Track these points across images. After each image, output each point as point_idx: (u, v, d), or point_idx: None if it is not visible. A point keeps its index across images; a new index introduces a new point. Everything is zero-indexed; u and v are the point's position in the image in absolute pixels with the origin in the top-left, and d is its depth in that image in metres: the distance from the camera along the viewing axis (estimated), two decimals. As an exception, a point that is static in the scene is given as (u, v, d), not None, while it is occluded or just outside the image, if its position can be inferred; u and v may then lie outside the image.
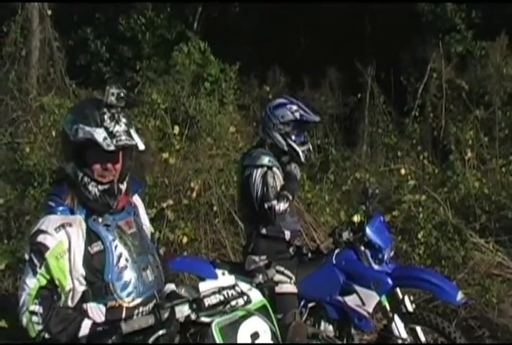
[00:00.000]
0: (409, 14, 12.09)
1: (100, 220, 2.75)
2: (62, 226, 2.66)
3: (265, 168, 4.59)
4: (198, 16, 14.55)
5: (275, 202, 4.50)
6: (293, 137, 4.73)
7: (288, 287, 4.56)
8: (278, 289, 4.52)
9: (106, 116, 2.66)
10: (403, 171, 8.22)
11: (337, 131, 10.04)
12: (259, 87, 11.35)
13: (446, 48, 11.15)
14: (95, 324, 2.62)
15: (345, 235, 4.72)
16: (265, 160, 4.62)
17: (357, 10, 12.60)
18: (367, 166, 8.90)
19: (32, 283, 2.63)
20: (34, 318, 2.59)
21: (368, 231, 4.68)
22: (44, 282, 2.63)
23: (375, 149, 9.94)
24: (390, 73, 10.45)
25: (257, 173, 4.58)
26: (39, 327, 2.59)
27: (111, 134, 2.63)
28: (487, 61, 10.62)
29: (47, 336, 2.60)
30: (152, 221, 6.61)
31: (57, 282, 2.65)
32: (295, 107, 4.70)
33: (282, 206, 4.51)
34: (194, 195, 7.18)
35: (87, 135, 2.62)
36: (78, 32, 14.47)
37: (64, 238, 2.66)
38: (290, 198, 4.59)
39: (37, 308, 2.59)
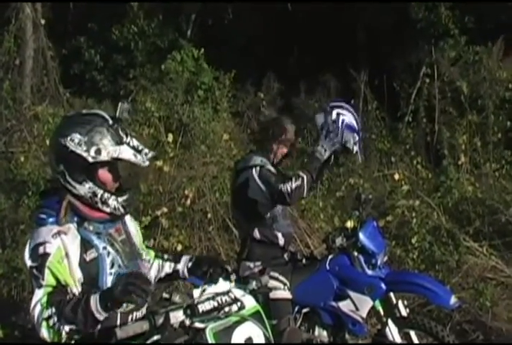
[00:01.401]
0: (402, 20, 12.15)
1: (91, 228, 2.78)
2: (58, 233, 2.68)
3: (258, 167, 4.59)
4: (191, 24, 14.59)
5: (282, 185, 4.39)
6: None
7: (283, 293, 4.56)
8: (273, 295, 4.50)
9: (120, 132, 2.73)
10: (396, 176, 8.23)
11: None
12: (254, 94, 11.38)
13: (439, 53, 11.20)
14: (103, 292, 2.57)
15: (338, 241, 4.72)
16: (258, 160, 4.63)
17: (351, 16, 12.66)
18: (360, 172, 8.91)
19: (40, 294, 2.60)
20: (51, 322, 2.53)
21: (361, 236, 4.68)
22: (50, 288, 2.61)
23: (368, 155, 9.96)
24: (383, 79, 10.49)
25: (254, 173, 4.57)
26: (57, 325, 2.52)
27: (136, 150, 2.72)
28: (480, 66, 10.68)
29: (67, 328, 2.52)
30: (146, 228, 6.71)
31: (64, 284, 2.64)
32: None
33: (293, 184, 4.36)
34: (188, 202, 7.18)
35: (113, 155, 2.68)
36: (72, 41, 14.52)
37: (61, 244, 2.67)
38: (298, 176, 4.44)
39: (50, 312, 2.54)
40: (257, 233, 4.67)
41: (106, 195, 2.76)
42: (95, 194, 2.75)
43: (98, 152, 2.68)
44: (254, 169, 4.60)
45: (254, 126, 9.60)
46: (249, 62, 13.03)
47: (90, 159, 2.69)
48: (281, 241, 4.74)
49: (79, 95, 11.63)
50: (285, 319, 4.47)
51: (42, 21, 11.02)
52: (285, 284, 4.58)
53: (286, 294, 4.58)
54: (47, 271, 2.63)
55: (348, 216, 5.05)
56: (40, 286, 2.62)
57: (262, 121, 4.91)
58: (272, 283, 4.48)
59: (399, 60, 11.78)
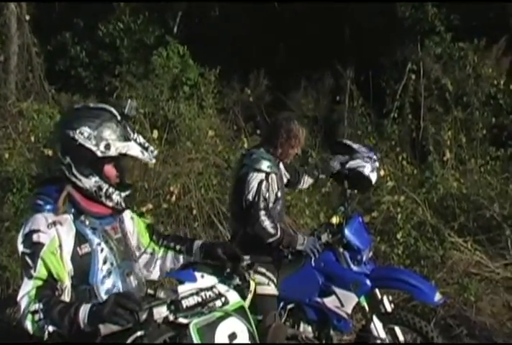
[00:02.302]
0: (388, 17, 12.17)
1: (87, 222, 2.78)
2: (53, 223, 2.68)
3: (263, 174, 4.55)
4: (178, 20, 14.55)
5: (262, 214, 4.48)
6: None
7: (269, 289, 4.57)
8: (259, 290, 4.52)
9: (128, 129, 2.76)
10: (382, 172, 8.21)
11: (317, 134, 10.06)
12: (240, 90, 11.37)
13: (425, 50, 11.23)
14: (93, 306, 2.54)
15: (324, 237, 4.72)
16: (265, 166, 4.58)
17: (337, 13, 12.66)
18: (346, 168, 8.90)
19: (29, 286, 2.59)
20: (36, 316, 2.52)
21: (347, 232, 4.70)
22: (40, 282, 2.60)
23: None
24: (369, 76, 10.50)
25: (254, 177, 4.54)
26: (42, 322, 2.51)
27: (143, 146, 2.76)
28: (466, 62, 10.72)
29: (51, 328, 2.51)
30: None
31: (56, 277, 2.63)
32: None
33: (268, 224, 4.48)
34: (173, 199, 7.18)
35: (122, 150, 2.71)
36: (57, 37, 14.39)
37: (56, 235, 2.66)
38: (278, 228, 4.57)
39: (37, 306, 2.53)
40: (249, 230, 4.62)
41: (111, 189, 2.78)
42: (100, 188, 2.76)
43: (108, 147, 2.69)
44: (256, 174, 4.56)
45: (240, 123, 9.58)
46: (235, 59, 13.01)
47: (99, 154, 2.71)
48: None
49: (64, 92, 11.57)
50: (270, 315, 4.49)
51: (27, 17, 10.96)
52: (271, 280, 4.60)
53: (273, 290, 4.59)
54: (39, 261, 2.62)
55: (333, 212, 5.05)
56: (30, 276, 2.61)
57: (273, 119, 4.94)
58: (260, 278, 4.54)
59: (385, 57, 11.79)
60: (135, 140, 2.76)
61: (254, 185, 4.52)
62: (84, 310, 2.49)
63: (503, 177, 8.64)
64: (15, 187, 7.49)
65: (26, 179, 7.51)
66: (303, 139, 4.79)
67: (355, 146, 5.07)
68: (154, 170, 7.56)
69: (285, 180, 4.98)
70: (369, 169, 4.95)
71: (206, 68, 11.03)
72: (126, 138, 2.74)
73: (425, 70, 10.81)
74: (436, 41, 11.62)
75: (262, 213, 4.49)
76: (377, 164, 5.02)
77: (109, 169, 2.81)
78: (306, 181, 5.20)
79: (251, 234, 4.61)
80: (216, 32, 14.06)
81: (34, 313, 2.53)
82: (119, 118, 2.77)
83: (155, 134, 8.04)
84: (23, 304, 2.56)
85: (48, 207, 2.73)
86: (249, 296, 4.37)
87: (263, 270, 4.58)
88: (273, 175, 4.63)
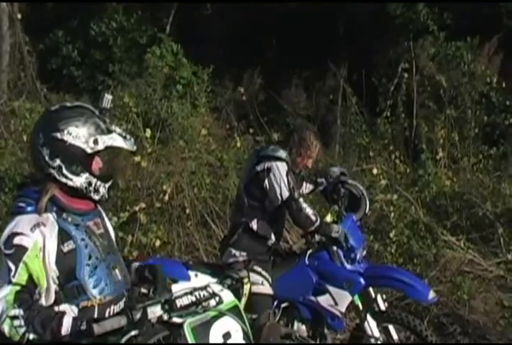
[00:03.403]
0: (381, 16, 12.19)
1: (69, 219, 2.78)
2: (37, 225, 2.67)
3: (285, 163, 4.57)
4: (171, 18, 14.53)
5: (302, 201, 4.53)
6: None
7: (264, 288, 4.57)
8: (254, 289, 4.53)
9: (107, 121, 2.81)
10: (375, 171, 8.24)
11: (310, 133, 10.03)
12: (233, 89, 11.37)
13: (418, 49, 11.25)
14: (75, 319, 2.58)
15: (317, 235, 4.74)
16: (284, 154, 4.61)
17: (330, 12, 12.67)
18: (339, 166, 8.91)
19: (7, 289, 2.58)
20: (16, 322, 2.53)
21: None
22: (19, 287, 2.59)
23: (347, 150, 9.99)
24: (362, 74, 10.51)
25: (280, 167, 4.55)
26: (23, 329, 2.52)
27: (124, 137, 2.81)
28: (460, 61, 10.75)
29: (31, 336, 2.53)
30: (124, 224, 6.68)
31: (36, 281, 2.63)
32: None
33: (309, 211, 4.52)
34: (166, 198, 7.16)
35: (108, 143, 2.77)
36: (50, 36, 14.34)
37: (39, 238, 2.66)
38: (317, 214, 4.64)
39: (17, 312, 2.54)
40: (254, 224, 4.66)
41: (99, 183, 2.81)
42: (90, 184, 2.79)
43: (96, 142, 2.74)
44: (280, 163, 4.57)
45: (233, 122, 9.58)
46: (228, 58, 13.02)
47: (89, 151, 2.75)
48: (271, 240, 4.76)
49: (56, 91, 11.54)
50: (264, 314, 4.50)
51: (19, 16, 10.94)
52: (266, 279, 4.60)
53: (267, 289, 4.59)
54: (21, 265, 2.61)
55: (326, 211, 5.06)
56: (9, 281, 2.60)
57: (291, 124, 5.02)
58: (255, 277, 4.55)
59: (378, 56, 11.82)
60: (116, 132, 2.81)
61: (283, 177, 4.52)
62: (67, 323, 2.53)
63: (496, 175, 8.68)
64: (7, 187, 7.48)
65: (18, 178, 7.48)
66: (315, 154, 4.80)
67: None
68: (147, 169, 7.55)
69: None
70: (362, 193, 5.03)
71: (198, 67, 11.02)
72: (109, 130, 2.79)
73: (418, 68, 10.82)
74: (429, 40, 11.65)
75: (301, 200, 4.52)
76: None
77: (97, 164, 2.86)
78: (307, 187, 5.21)
79: (252, 231, 4.65)
80: (209, 31, 14.04)
81: (13, 318, 2.54)
82: (97, 113, 2.82)
83: (148, 133, 8.02)
84: (1, 307, 2.55)
85: (29, 208, 2.72)
86: (244, 299, 4.39)
87: (259, 269, 4.59)
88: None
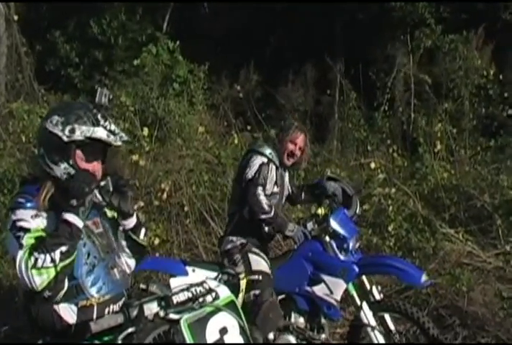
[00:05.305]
0: (378, 10, 12.19)
1: None
2: (37, 215, 2.71)
3: (265, 158, 4.74)
4: (168, 17, 14.51)
5: (260, 189, 4.63)
6: None
7: (264, 266, 4.67)
8: (255, 267, 4.63)
9: (99, 116, 2.80)
10: (373, 165, 8.25)
11: (308, 128, 10.05)
12: (229, 86, 11.37)
13: (415, 43, 11.24)
14: None
15: (309, 226, 4.78)
16: (267, 151, 4.79)
17: (327, 7, 12.65)
18: (337, 161, 8.94)
19: (21, 253, 2.62)
20: (39, 263, 2.58)
21: (332, 221, 4.73)
22: (29, 246, 2.63)
23: (345, 144, 10.01)
24: (359, 69, 10.50)
25: (257, 159, 4.73)
26: (43, 259, 2.58)
27: (111, 132, 2.78)
28: (456, 54, 10.73)
29: (49, 259, 2.59)
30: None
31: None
32: None
33: (263, 199, 4.62)
34: (165, 196, 7.19)
35: (87, 134, 2.75)
36: (47, 37, 14.33)
37: (40, 224, 2.70)
38: (273, 208, 4.68)
39: (34, 257, 2.59)
40: (246, 212, 4.74)
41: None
42: (70, 175, 2.78)
43: (72, 130, 2.74)
44: (259, 157, 4.75)
45: (230, 119, 9.58)
46: (225, 55, 13.01)
47: (65, 138, 2.75)
48: (265, 230, 4.83)
49: (54, 92, 11.55)
50: (268, 291, 4.58)
51: (15, 17, 10.93)
52: (265, 260, 4.72)
53: (266, 268, 4.68)
54: (28, 235, 2.66)
55: (318, 204, 5.11)
56: (21, 246, 2.64)
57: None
58: (253, 258, 4.68)
59: (375, 50, 11.80)
60: (104, 127, 2.79)
61: (255, 165, 4.70)
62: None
63: (494, 167, 8.65)
64: (6, 188, 7.49)
65: (16, 180, 7.49)
66: (300, 143, 4.88)
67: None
68: (145, 168, 7.57)
69: (286, 193, 5.06)
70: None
71: (195, 65, 11.02)
72: (94, 123, 2.78)
73: (414, 63, 10.82)
74: (426, 33, 11.64)
75: (260, 188, 4.64)
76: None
77: (79, 156, 2.82)
78: (306, 199, 5.29)
79: (246, 218, 4.73)
80: (206, 28, 14.03)
81: (35, 264, 2.57)
82: (90, 107, 2.82)
83: (146, 131, 8.05)
84: (23, 268, 2.59)
85: (29, 204, 2.75)
86: (241, 294, 4.43)
87: (257, 250, 4.73)
88: (273, 165, 4.78)
